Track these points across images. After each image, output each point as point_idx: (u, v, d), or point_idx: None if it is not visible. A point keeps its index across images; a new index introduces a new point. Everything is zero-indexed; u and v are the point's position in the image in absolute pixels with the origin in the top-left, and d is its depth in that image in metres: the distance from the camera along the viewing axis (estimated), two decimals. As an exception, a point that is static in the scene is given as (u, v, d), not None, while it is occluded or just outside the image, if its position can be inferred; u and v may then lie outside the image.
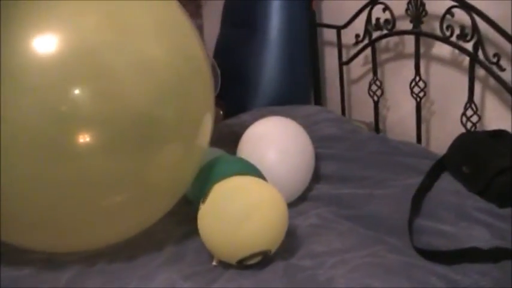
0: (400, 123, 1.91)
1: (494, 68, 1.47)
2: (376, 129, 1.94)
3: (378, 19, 1.81)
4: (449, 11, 1.56)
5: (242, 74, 2.16)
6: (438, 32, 1.61)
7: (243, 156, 1.41)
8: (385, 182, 1.44)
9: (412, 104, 1.77)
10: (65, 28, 1.04)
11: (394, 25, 1.77)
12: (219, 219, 1.11)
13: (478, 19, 1.48)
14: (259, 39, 2.12)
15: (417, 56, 1.71)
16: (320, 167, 1.54)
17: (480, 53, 1.50)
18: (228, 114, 2.03)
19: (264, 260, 1.12)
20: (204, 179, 1.25)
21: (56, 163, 1.03)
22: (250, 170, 1.28)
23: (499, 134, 1.44)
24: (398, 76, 1.86)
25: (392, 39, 1.86)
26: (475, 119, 1.56)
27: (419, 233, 1.21)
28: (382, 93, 1.91)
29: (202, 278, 1.11)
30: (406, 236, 1.19)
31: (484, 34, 1.49)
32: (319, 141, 1.60)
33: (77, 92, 1.02)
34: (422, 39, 1.70)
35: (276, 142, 1.42)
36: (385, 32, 1.81)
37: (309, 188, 1.45)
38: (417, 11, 1.67)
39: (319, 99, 2.18)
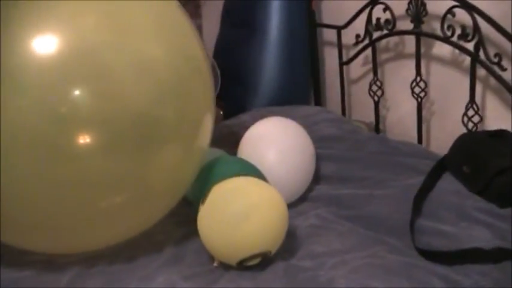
0: (400, 123, 1.91)
1: (495, 68, 1.47)
2: (376, 129, 1.94)
3: (378, 19, 1.81)
4: (450, 10, 1.55)
5: (242, 74, 2.16)
6: (439, 32, 1.61)
7: (243, 157, 1.40)
8: (385, 183, 1.44)
9: (412, 104, 1.77)
10: (64, 28, 1.04)
11: (394, 25, 1.76)
12: (219, 220, 1.10)
13: (479, 19, 1.47)
14: (259, 39, 2.12)
15: (418, 56, 1.71)
16: (320, 167, 1.53)
17: (481, 53, 1.49)
18: (227, 115, 2.03)
19: (264, 261, 1.12)
20: (204, 180, 1.24)
21: (56, 164, 1.02)
22: (251, 170, 1.28)
23: (500, 133, 1.44)
24: (399, 76, 1.86)
25: (393, 39, 1.86)
26: (476, 119, 1.55)
27: (420, 233, 1.21)
28: (383, 93, 1.90)
29: (202, 279, 1.11)
30: (406, 236, 1.19)
31: (485, 34, 1.48)
32: (319, 141, 1.59)
33: (76, 92, 1.02)
34: (422, 39, 1.70)
35: (276, 142, 1.42)
36: (385, 32, 1.80)
37: (309, 189, 1.45)
38: (418, 11, 1.66)
39: (319, 99, 2.18)
